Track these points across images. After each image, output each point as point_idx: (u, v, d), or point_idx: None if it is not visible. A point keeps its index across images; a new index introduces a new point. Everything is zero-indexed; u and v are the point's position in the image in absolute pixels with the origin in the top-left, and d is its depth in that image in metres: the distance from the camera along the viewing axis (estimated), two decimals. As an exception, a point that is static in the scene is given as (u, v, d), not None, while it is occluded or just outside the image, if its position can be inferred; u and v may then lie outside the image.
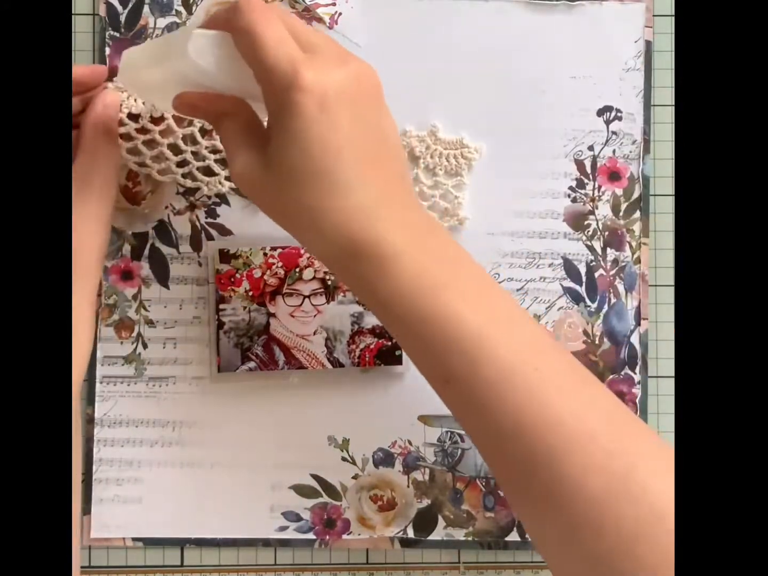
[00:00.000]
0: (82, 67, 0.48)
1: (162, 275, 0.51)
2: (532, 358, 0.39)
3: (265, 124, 0.42)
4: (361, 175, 0.39)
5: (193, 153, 0.50)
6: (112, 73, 0.48)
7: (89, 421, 0.50)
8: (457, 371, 0.39)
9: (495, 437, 0.39)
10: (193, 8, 0.50)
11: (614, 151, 0.52)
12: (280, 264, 0.50)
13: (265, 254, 0.50)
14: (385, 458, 0.51)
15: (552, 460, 0.37)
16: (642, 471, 0.37)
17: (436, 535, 0.51)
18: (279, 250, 0.50)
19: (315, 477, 0.51)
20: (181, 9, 0.50)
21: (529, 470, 0.38)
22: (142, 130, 0.49)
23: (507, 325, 0.39)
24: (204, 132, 0.49)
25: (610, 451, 0.37)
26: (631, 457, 0.37)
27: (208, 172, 0.50)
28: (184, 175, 0.50)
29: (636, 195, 0.52)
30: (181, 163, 0.50)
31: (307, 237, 0.41)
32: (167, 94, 0.43)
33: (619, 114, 0.52)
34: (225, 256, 0.50)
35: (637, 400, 0.51)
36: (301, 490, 0.51)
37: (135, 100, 0.49)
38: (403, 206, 0.41)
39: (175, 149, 0.49)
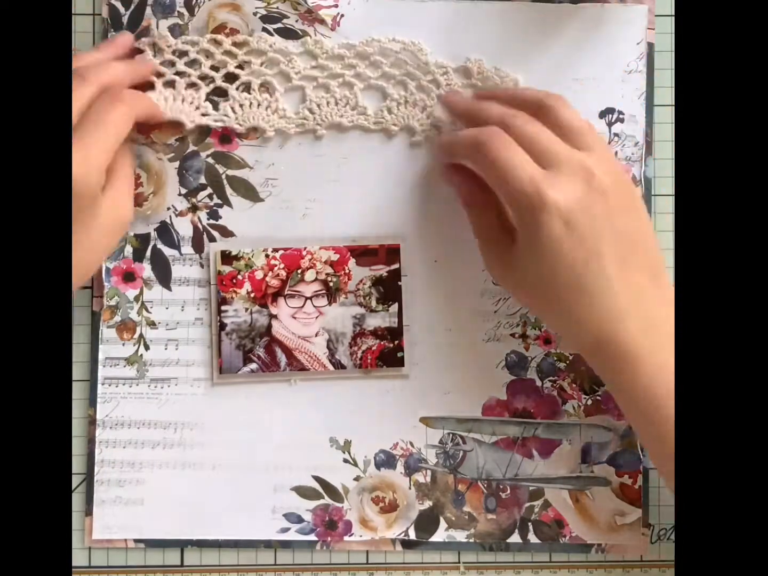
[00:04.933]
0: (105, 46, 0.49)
1: (164, 277, 0.51)
2: None
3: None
4: (608, 282, 0.42)
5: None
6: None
7: (91, 422, 0.50)
8: None
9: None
10: (196, 10, 0.50)
11: (616, 153, 0.51)
12: (282, 265, 0.50)
13: (266, 256, 0.50)
14: (386, 460, 0.51)
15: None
16: None
17: (438, 536, 0.51)
18: (281, 252, 0.50)
19: (316, 478, 0.51)
20: (184, 11, 0.50)
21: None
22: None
23: None
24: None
25: None
26: None
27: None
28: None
29: (638, 197, 0.52)
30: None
31: (555, 323, 0.46)
32: None
33: (621, 116, 0.51)
34: (227, 257, 0.50)
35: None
36: (303, 492, 0.51)
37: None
38: (653, 305, 0.43)
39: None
